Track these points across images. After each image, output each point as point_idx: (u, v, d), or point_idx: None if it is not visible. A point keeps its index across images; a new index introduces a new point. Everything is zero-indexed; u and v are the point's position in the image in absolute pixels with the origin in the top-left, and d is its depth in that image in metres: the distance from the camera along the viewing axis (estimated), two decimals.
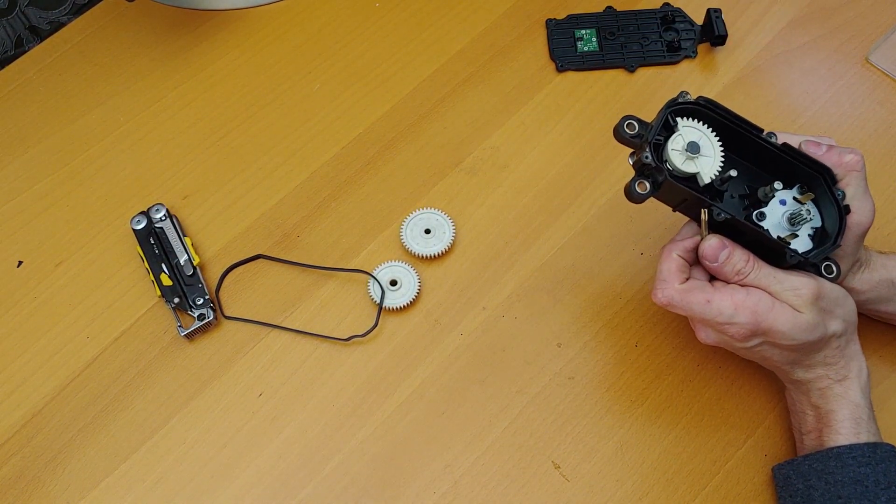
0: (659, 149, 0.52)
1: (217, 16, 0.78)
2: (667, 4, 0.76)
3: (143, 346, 0.63)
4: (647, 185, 0.51)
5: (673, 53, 0.74)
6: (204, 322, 0.62)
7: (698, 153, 0.51)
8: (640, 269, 0.65)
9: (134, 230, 0.66)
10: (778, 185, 0.52)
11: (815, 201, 0.53)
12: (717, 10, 0.73)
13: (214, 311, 0.63)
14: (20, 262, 0.67)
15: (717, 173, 0.51)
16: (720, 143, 0.52)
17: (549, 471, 0.58)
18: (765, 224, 0.52)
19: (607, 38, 0.75)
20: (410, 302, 0.63)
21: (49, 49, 0.77)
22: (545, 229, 0.66)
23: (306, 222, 0.68)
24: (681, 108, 0.52)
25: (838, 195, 0.52)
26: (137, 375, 0.62)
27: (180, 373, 0.62)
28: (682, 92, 0.53)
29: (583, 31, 0.75)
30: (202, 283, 0.64)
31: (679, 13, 0.75)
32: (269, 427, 0.60)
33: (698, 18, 0.75)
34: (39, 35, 0.81)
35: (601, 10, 0.76)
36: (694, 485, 0.57)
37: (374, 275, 0.64)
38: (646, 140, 0.51)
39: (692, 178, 0.52)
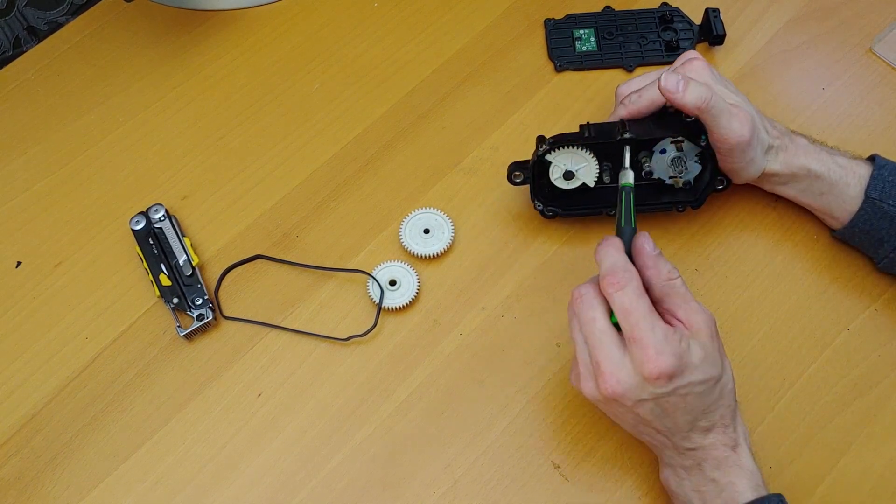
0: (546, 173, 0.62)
1: (216, 16, 0.78)
2: (665, 4, 0.76)
3: (142, 347, 0.63)
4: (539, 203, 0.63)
5: (671, 53, 0.74)
6: (203, 322, 0.62)
7: (573, 176, 0.61)
8: None
9: (133, 230, 0.66)
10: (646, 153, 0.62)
11: (686, 149, 0.61)
12: (716, 10, 0.73)
13: (213, 311, 0.63)
14: (19, 263, 0.67)
15: (597, 176, 0.61)
16: (592, 155, 0.60)
17: (549, 471, 0.58)
18: (655, 174, 0.62)
19: (606, 37, 0.75)
20: (410, 302, 0.63)
21: (47, 49, 0.77)
22: (544, 229, 0.66)
23: (306, 222, 0.68)
24: (548, 147, 0.59)
25: (702, 142, 0.59)
26: (137, 376, 0.62)
27: (180, 373, 0.62)
28: (539, 139, 0.60)
29: (581, 31, 0.75)
30: (201, 284, 0.64)
31: (677, 13, 0.75)
32: (269, 427, 0.60)
33: (697, 18, 0.75)
34: (37, 35, 0.81)
35: (599, 10, 0.76)
36: None
37: (373, 275, 0.64)
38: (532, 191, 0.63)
39: (582, 186, 0.62)
